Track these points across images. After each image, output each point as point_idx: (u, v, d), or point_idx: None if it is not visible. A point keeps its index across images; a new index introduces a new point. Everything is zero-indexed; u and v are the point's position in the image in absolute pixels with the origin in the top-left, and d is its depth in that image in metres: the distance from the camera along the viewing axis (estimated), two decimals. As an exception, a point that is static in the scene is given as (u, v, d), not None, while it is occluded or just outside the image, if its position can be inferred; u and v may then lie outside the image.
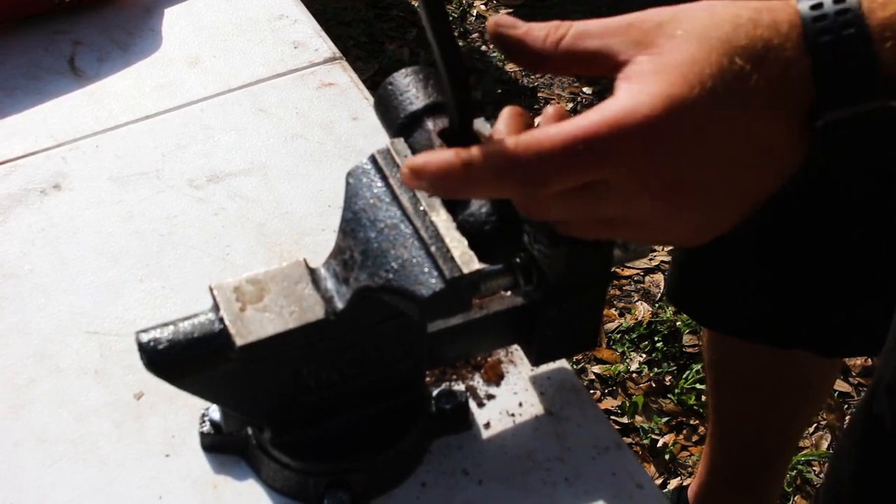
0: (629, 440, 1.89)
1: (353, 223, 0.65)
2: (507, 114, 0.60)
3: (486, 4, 2.89)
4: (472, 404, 0.77)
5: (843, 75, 0.52)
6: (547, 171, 0.53)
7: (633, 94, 0.52)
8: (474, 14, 2.86)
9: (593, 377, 1.99)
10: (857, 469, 0.94)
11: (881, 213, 1.05)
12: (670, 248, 2.25)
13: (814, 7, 0.52)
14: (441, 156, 0.54)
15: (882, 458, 0.91)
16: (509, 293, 0.73)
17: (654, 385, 1.99)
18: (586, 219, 0.58)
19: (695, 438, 1.91)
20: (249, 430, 0.72)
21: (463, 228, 0.63)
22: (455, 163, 0.54)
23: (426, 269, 0.61)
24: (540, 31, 0.57)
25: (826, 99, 0.52)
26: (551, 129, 0.53)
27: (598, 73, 0.56)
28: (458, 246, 0.62)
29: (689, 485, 1.69)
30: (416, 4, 2.88)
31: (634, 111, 0.52)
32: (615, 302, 2.14)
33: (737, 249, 1.18)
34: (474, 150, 0.54)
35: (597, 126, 0.52)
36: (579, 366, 2.00)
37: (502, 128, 0.59)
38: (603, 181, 0.54)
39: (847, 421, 1.94)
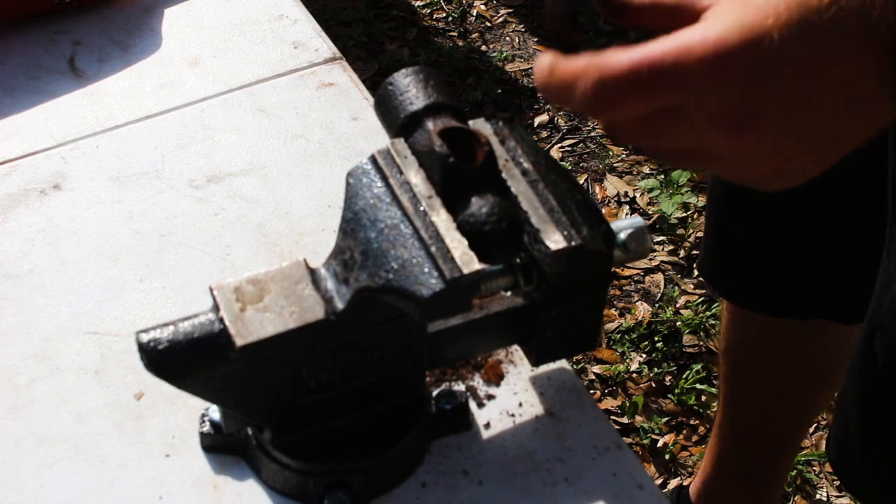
0: (629, 440, 1.89)
1: (353, 223, 0.65)
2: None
3: (485, 4, 2.89)
4: (472, 405, 0.77)
5: None
6: (609, 95, 0.54)
7: (706, 24, 0.52)
8: (474, 14, 2.86)
9: (593, 377, 1.99)
10: (861, 409, 0.95)
11: None
12: (670, 248, 2.25)
13: None
14: (545, 59, 0.58)
15: (882, 395, 0.91)
16: (509, 293, 0.73)
17: (654, 385, 1.99)
18: (664, 148, 0.58)
19: (695, 438, 1.91)
20: (249, 431, 0.72)
21: (463, 229, 0.63)
22: (545, 68, 0.57)
23: (426, 270, 0.61)
24: None
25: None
26: (620, 53, 0.53)
27: (681, 26, 0.56)
28: (459, 246, 0.62)
29: (688, 484, 1.69)
30: (416, 4, 2.88)
31: (704, 37, 0.52)
32: (615, 302, 2.14)
33: (771, 219, 1.19)
34: (560, 61, 0.56)
35: (664, 50, 0.52)
36: (579, 366, 2.00)
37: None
38: (674, 108, 0.54)
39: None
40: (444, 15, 2.84)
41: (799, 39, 0.51)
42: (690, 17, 0.55)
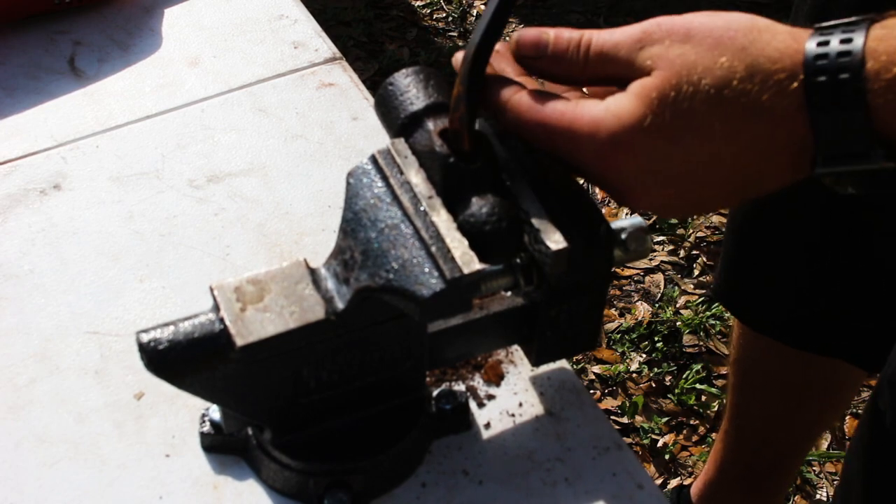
0: (629, 440, 1.89)
1: (353, 223, 0.65)
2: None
3: (486, 4, 2.89)
4: (473, 405, 0.77)
5: (836, 143, 0.54)
6: (518, 131, 0.64)
7: (608, 109, 0.58)
8: (474, 14, 2.86)
9: (593, 377, 1.99)
10: (865, 466, 0.94)
11: None
12: (670, 248, 2.25)
13: (816, 69, 0.54)
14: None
15: (885, 453, 0.91)
16: (509, 293, 0.73)
17: (654, 385, 1.99)
18: None
19: (695, 438, 1.91)
20: (249, 431, 0.72)
21: (463, 229, 0.63)
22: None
23: (427, 270, 0.61)
24: (567, 51, 0.62)
25: (820, 158, 0.55)
26: (536, 102, 0.61)
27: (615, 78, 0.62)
28: (459, 246, 0.62)
29: (689, 484, 1.69)
30: (416, 4, 2.88)
31: (595, 131, 0.58)
32: (615, 302, 2.14)
33: (791, 251, 1.17)
34: (495, 85, 0.65)
35: (560, 123, 0.60)
36: (579, 366, 2.00)
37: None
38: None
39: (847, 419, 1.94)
40: (445, 15, 2.85)
41: (678, 140, 0.57)
42: (626, 73, 0.59)
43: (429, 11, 2.86)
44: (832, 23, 0.54)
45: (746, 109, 0.55)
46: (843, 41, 0.53)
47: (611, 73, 0.60)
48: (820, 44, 0.53)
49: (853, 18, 0.54)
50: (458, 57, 0.66)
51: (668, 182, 0.59)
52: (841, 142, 0.53)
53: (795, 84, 0.53)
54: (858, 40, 0.52)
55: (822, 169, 0.54)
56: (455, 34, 2.79)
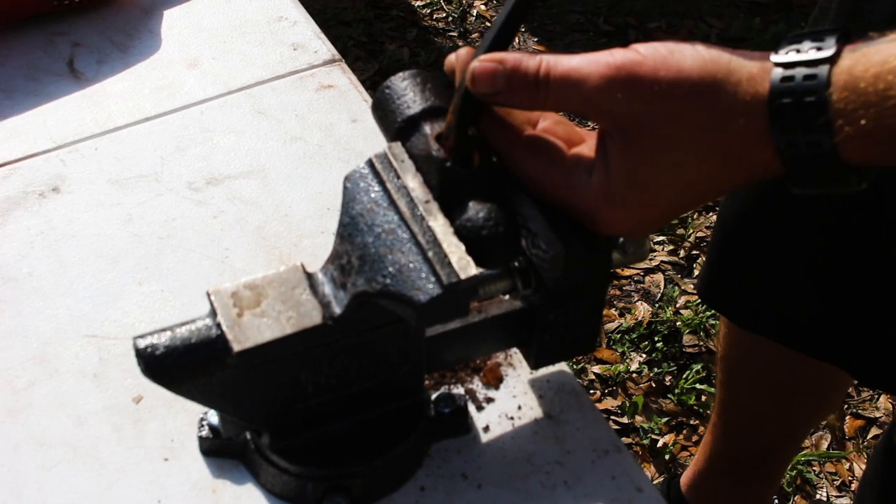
0: (629, 440, 1.89)
1: (350, 228, 0.65)
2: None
3: (486, 4, 2.89)
4: (471, 408, 0.77)
5: (806, 183, 0.57)
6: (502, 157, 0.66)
7: (597, 195, 0.62)
8: (474, 14, 2.86)
9: (593, 377, 1.99)
10: (878, 499, 0.94)
11: None
12: (670, 248, 2.25)
13: (783, 128, 0.56)
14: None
15: None
16: (508, 297, 0.73)
17: (654, 385, 1.99)
18: None
19: (695, 438, 1.91)
20: (248, 435, 0.72)
21: (460, 233, 0.63)
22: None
23: (424, 275, 0.61)
24: (525, 82, 0.62)
25: (791, 184, 0.58)
26: (531, 165, 0.64)
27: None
28: (456, 251, 0.62)
29: (680, 475, 1.69)
30: (416, 4, 2.88)
31: (586, 209, 0.63)
32: (615, 302, 2.14)
33: (785, 252, 1.16)
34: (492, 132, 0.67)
35: (555, 196, 0.64)
36: (579, 366, 2.00)
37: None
38: None
39: (846, 427, 1.94)
40: (445, 15, 2.84)
41: (675, 198, 0.61)
42: (588, 115, 0.62)
43: (429, 11, 2.85)
44: (794, 59, 0.56)
45: (724, 168, 0.58)
46: (806, 91, 0.55)
47: (574, 110, 0.62)
48: (785, 92, 0.55)
49: (814, 57, 0.55)
50: (451, 59, 0.66)
51: (657, 220, 0.63)
52: (814, 183, 0.57)
53: (767, 142, 0.56)
54: (822, 77, 0.54)
55: (797, 191, 0.59)
56: (455, 34, 2.79)
